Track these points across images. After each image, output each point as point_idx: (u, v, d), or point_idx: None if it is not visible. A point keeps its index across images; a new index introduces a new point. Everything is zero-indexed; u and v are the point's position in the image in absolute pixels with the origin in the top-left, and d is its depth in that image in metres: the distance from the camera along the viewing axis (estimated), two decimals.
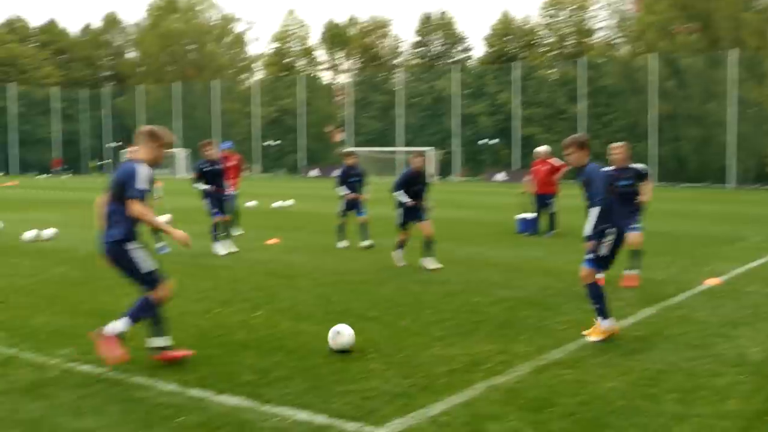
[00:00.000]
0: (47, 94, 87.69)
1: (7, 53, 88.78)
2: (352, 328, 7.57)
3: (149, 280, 6.45)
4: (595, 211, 7.43)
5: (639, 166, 11.04)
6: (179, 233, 6.59)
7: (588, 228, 7.46)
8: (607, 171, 8.89)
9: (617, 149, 11.10)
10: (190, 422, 5.19)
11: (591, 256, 7.50)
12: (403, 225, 12.53)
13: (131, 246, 6.39)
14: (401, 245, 12.64)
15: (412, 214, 12.42)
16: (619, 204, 10.48)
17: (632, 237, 10.41)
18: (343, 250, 14.80)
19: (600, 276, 7.72)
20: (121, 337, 6.31)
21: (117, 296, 9.65)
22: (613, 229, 7.54)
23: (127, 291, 9.84)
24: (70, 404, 5.55)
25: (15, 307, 9.00)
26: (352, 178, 15.45)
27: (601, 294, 7.56)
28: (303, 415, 5.35)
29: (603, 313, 7.48)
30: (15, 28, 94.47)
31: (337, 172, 15.86)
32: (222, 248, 14.02)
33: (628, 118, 61.09)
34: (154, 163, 6.52)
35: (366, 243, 15.04)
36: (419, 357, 6.85)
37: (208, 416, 5.31)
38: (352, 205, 15.42)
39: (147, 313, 6.48)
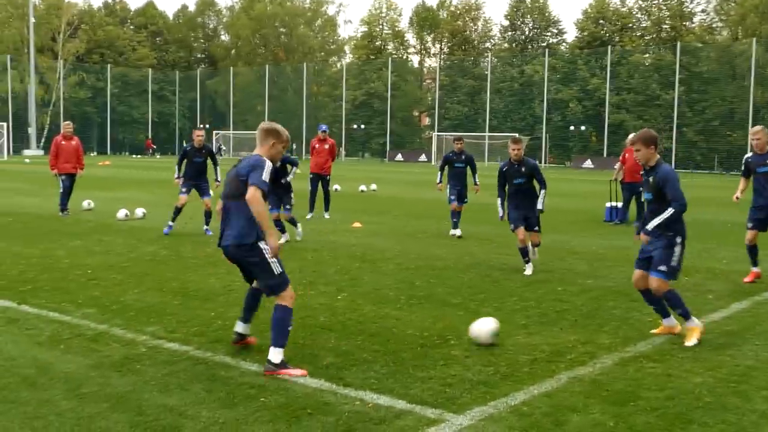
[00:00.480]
0: (142, 76, 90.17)
1: (105, 35, 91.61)
2: (436, 313, 7.58)
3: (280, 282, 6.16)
4: (671, 214, 7.00)
5: None
6: (273, 242, 6.11)
7: (654, 224, 7.10)
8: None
9: (758, 134, 10.29)
10: (272, 403, 5.26)
11: (663, 268, 7.05)
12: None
13: (262, 245, 6.09)
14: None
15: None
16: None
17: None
18: (425, 236, 14.76)
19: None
20: (284, 364, 5.94)
21: (203, 275, 9.89)
22: (683, 241, 7.15)
23: (212, 271, 10.09)
24: (157, 380, 5.69)
25: (106, 284, 9.29)
26: (457, 164, 14.86)
27: (679, 297, 7.16)
28: (383, 400, 5.36)
29: (687, 315, 7.11)
30: (113, 10, 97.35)
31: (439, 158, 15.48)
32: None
33: (724, 105, 59.11)
34: (273, 161, 6.22)
35: (455, 232, 14.70)
36: (502, 345, 6.78)
37: (289, 397, 5.37)
38: (457, 192, 14.75)
39: (287, 326, 6.08)
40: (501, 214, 10.98)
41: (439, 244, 13.64)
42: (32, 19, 74.33)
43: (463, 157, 14.88)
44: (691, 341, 6.92)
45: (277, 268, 6.12)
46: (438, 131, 70.99)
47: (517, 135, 13.05)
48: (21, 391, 5.41)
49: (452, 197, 14.74)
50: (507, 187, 10.78)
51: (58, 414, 4.99)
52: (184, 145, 14.26)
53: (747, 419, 5.10)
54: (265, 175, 5.95)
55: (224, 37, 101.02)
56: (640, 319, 7.91)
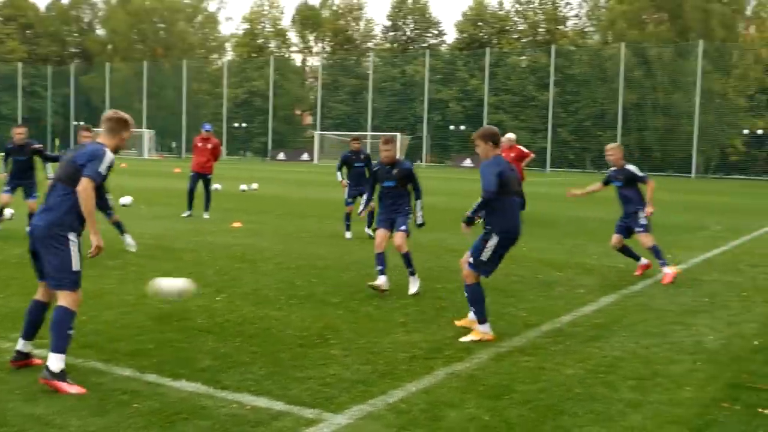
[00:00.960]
0: (11, 70, 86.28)
1: None
2: (315, 312, 7.56)
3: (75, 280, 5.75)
4: (479, 203, 7.16)
5: (631, 168, 11.03)
6: (96, 239, 5.77)
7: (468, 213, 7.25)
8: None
9: (610, 150, 11.18)
10: (146, 408, 5.13)
11: (471, 260, 7.19)
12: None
13: (72, 237, 5.73)
14: None
15: None
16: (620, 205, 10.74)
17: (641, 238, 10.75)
18: (307, 235, 14.72)
19: None
20: (63, 374, 5.50)
21: None
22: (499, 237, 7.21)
23: (84, 273, 9.74)
24: (23, 389, 5.45)
25: None
26: (356, 164, 14.70)
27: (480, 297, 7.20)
28: (261, 402, 5.31)
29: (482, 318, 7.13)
30: None
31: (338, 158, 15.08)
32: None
33: (596, 107, 61.56)
34: (116, 151, 5.97)
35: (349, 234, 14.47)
36: (380, 343, 6.84)
37: (164, 402, 5.25)
38: (358, 192, 14.28)
39: (69, 329, 5.63)
40: (360, 210, 10.47)
41: (320, 243, 13.63)
42: None
43: (362, 156, 14.78)
44: (468, 338, 7.04)
45: (76, 265, 5.71)
46: (320, 130, 71.00)
47: (390, 134, 12.62)
48: None
49: (350, 199, 14.54)
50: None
51: None
52: (8, 144, 13.51)
53: (614, 408, 5.31)
54: (103, 168, 5.70)
55: (100, 32, 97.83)
56: (515, 314, 8.13)
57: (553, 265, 11.51)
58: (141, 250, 12.02)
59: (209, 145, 17.91)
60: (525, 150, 17.66)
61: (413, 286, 9.22)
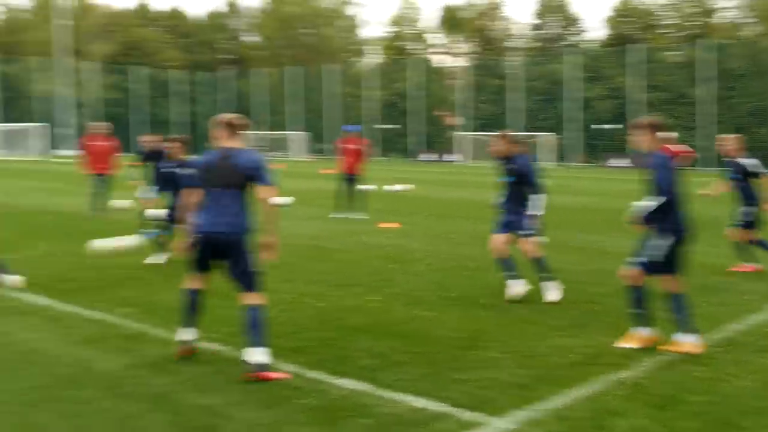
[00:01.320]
0: (169, 77, 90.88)
1: (135, 37, 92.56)
2: (468, 314, 7.52)
3: (258, 281, 6.14)
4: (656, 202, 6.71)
5: (746, 161, 10.67)
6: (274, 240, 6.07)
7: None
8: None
9: (726, 141, 10.98)
10: (309, 404, 5.24)
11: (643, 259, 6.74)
12: None
13: (248, 239, 6.13)
14: None
15: None
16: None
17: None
18: (456, 236, 14.65)
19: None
20: (266, 368, 5.85)
21: None
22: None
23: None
24: (194, 381, 5.69)
25: (143, 283, 9.32)
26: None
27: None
28: (420, 402, 5.32)
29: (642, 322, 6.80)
30: (143, 12, 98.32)
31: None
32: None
33: (753, 103, 58.45)
34: None
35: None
36: (537, 347, 6.71)
37: (326, 399, 5.35)
38: None
39: (265, 325, 6.05)
40: None
41: (470, 244, 13.54)
42: (64, 22, 75.03)
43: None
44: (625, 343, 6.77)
45: (259, 265, 6.11)
46: (465, 131, 70.81)
47: (509, 132, 11.44)
48: (64, 389, 5.44)
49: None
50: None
51: (99, 412, 5.02)
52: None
53: None
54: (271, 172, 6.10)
55: (252, 39, 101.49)
56: None
57: (715, 269, 10.95)
58: (297, 250, 12.31)
59: (356, 147, 18.20)
60: (678, 148, 16.96)
61: (550, 294, 8.68)
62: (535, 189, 8.81)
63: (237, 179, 6.04)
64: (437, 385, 5.67)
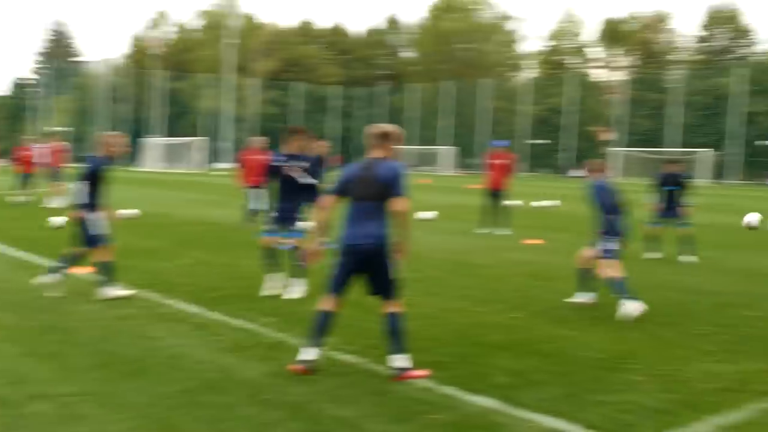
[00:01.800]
0: (329, 93, 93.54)
1: (296, 54, 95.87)
2: (613, 335, 7.31)
3: (397, 288, 6.27)
4: None
5: None
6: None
7: None
8: None
9: None
10: (442, 420, 5.23)
11: None
12: None
13: (389, 249, 6.22)
14: None
15: None
16: None
17: None
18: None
19: None
20: (408, 370, 6.11)
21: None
22: None
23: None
24: (331, 391, 5.80)
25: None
26: (668, 186, 13.89)
27: None
28: (557, 423, 5.21)
29: None
30: (305, 30, 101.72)
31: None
32: None
33: None
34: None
35: (686, 258, 13.58)
36: (683, 372, 6.43)
37: (459, 415, 5.32)
38: (669, 214, 13.84)
39: (404, 332, 6.23)
40: None
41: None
42: (231, 40, 78.73)
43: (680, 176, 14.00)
44: None
45: (399, 273, 6.23)
46: (626, 146, 68.84)
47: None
48: (206, 394, 5.67)
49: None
50: None
51: (240, 418, 5.19)
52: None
53: None
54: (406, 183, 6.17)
55: (409, 54, 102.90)
56: None
57: None
58: (441, 264, 12.35)
59: (503, 162, 18.10)
60: None
61: (624, 310, 8.57)
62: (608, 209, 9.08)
63: (377, 189, 6.14)
64: (575, 407, 5.53)
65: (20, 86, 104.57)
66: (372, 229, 6.13)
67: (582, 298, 9.38)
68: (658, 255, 13.72)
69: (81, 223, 8.96)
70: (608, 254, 8.99)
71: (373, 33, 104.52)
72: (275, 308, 8.65)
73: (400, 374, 6.04)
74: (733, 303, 9.47)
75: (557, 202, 27.70)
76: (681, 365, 6.61)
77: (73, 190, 9.17)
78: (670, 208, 13.82)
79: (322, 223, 6.43)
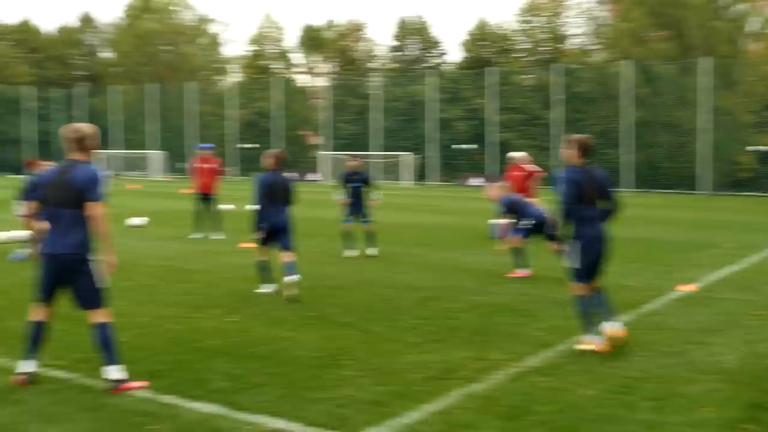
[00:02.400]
0: (19, 93, 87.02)
1: None
2: (327, 334, 7.52)
3: (102, 297, 6.09)
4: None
5: None
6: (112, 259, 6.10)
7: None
8: None
9: None
10: (162, 429, 5.11)
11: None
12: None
13: (91, 258, 6.03)
14: None
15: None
16: None
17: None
18: (319, 254, 14.65)
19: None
20: (124, 382, 5.96)
21: None
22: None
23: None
24: (41, 410, 5.45)
25: None
26: (353, 183, 14.88)
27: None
28: (277, 424, 5.28)
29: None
30: None
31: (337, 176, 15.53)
32: None
33: (602, 125, 61.59)
34: None
35: (372, 251, 14.52)
36: (394, 364, 6.80)
37: (180, 424, 5.23)
38: (356, 211, 14.86)
39: (116, 342, 6.09)
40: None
41: (330, 262, 13.59)
42: None
43: (362, 174, 15.02)
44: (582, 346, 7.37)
45: (104, 282, 6.06)
46: (331, 150, 71.12)
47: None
48: None
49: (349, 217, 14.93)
50: None
51: None
52: None
53: (633, 429, 5.26)
54: (103, 188, 5.98)
55: (107, 54, 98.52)
56: (530, 334, 8.08)
57: (566, 283, 11.42)
58: (154, 271, 12.03)
59: (210, 166, 18.01)
60: (534, 168, 17.67)
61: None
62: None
63: (72, 195, 5.89)
64: (295, 406, 5.65)
65: None
66: (69, 237, 5.89)
67: (267, 288, 10.36)
68: (354, 252, 14.42)
69: None
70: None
71: (66, 31, 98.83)
72: None
73: (116, 386, 5.86)
74: (437, 297, 10.16)
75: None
76: (391, 358, 6.98)
77: None
78: (357, 205, 14.84)
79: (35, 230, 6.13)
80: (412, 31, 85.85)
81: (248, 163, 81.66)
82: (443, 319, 8.81)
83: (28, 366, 6.01)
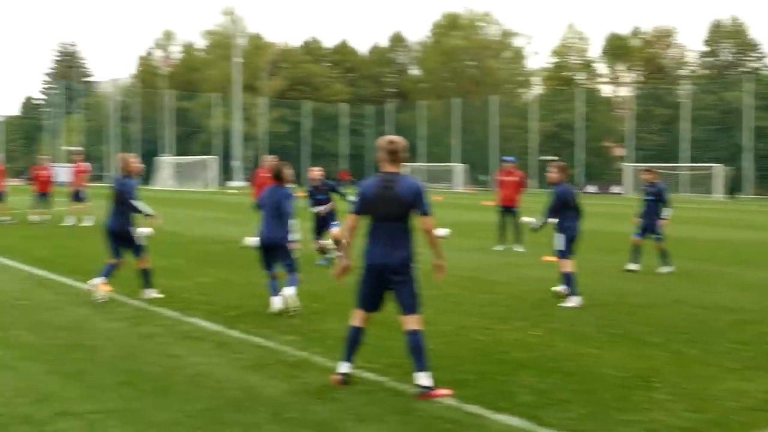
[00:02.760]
0: (336, 111, 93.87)
1: (303, 73, 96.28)
2: (634, 353, 7.27)
3: (419, 304, 6.38)
4: None
5: None
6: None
7: None
8: None
9: None
10: None
11: None
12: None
13: (413, 265, 6.37)
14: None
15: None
16: None
17: None
18: (618, 270, 14.16)
19: None
20: (432, 389, 6.15)
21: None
22: None
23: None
24: (355, 410, 5.78)
25: (306, 312, 9.57)
26: (648, 196, 14.24)
27: None
28: None
29: None
30: (311, 49, 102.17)
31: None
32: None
33: None
34: None
35: (665, 269, 13.93)
36: (710, 390, 6.39)
37: None
38: (647, 226, 14.22)
39: (426, 349, 6.32)
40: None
41: (635, 279, 13.11)
42: (239, 60, 79.17)
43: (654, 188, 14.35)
44: None
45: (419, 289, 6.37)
46: (636, 161, 68.76)
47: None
48: (230, 412, 5.67)
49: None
50: None
51: None
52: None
53: None
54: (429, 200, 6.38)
55: (415, 72, 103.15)
56: None
57: None
58: (457, 281, 12.35)
59: (513, 178, 18.09)
60: None
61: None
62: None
63: (400, 209, 6.24)
64: (602, 425, 5.51)
65: (31, 106, 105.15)
66: (398, 249, 6.24)
67: (571, 302, 10.44)
68: (636, 266, 13.99)
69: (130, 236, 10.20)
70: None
71: (378, 51, 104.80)
72: (295, 326, 8.65)
73: (425, 392, 6.07)
74: (756, 320, 9.43)
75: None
76: (706, 383, 6.56)
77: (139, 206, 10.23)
78: (649, 218, 14.16)
79: (349, 241, 6.52)
80: (726, 34, 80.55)
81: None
82: (764, 344, 8.13)
83: (344, 367, 6.43)
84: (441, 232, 19.73)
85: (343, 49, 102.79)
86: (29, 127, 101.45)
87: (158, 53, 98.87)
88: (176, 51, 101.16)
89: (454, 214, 31.91)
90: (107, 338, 8.01)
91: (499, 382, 6.56)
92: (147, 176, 73.27)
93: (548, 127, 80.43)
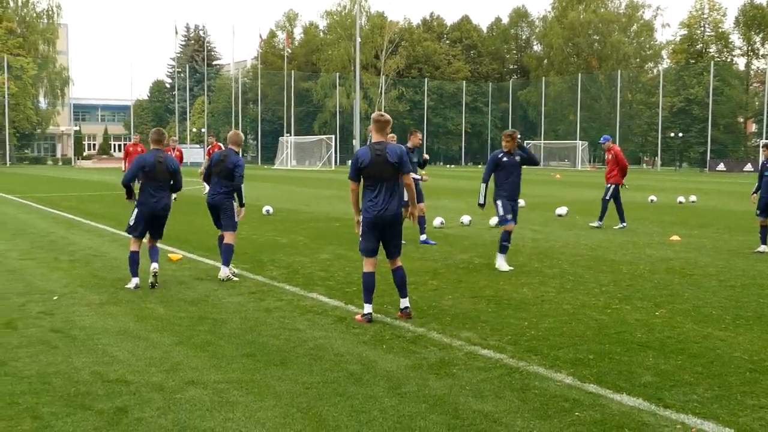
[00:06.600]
0: (456, 88, 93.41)
1: (423, 51, 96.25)
2: (767, 337, 6.95)
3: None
4: None
5: None
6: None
7: None
8: None
9: None
10: (587, 418, 5.12)
11: None
12: None
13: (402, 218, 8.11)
14: None
15: None
16: None
17: None
18: (752, 252, 13.60)
19: None
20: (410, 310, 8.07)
21: (515, 285, 9.92)
22: None
23: (524, 281, 10.13)
24: (472, 386, 5.78)
25: (424, 289, 9.63)
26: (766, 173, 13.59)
27: None
28: (707, 426, 5.00)
29: None
30: (431, 27, 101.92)
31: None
32: None
33: None
34: None
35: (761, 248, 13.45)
36: None
37: (605, 414, 5.19)
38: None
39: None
40: None
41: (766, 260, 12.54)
42: (358, 39, 79.83)
43: None
44: None
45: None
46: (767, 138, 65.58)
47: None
48: (348, 385, 5.77)
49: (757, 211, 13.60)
50: None
51: (381, 410, 5.24)
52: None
53: None
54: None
55: (536, 48, 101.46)
56: None
57: None
58: (578, 260, 12.12)
59: (610, 156, 17.63)
60: None
61: None
62: None
63: (391, 170, 7.66)
64: (728, 410, 5.30)
65: (158, 90, 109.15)
66: (390, 203, 7.65)
67: None
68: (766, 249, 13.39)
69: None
70: None
71: (498, 27, 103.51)
72: (412, 303, 8.69)
73: (405, 312, 7.91)
74: None
75: (694, 198, 26.67)
76: None
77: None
78: None
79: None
80: None
81: (675, 153, 78.56)
82: None
83: (369, 308, 7.80)
84: (561, 210, 19.50)
85: (463, 26, 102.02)
86: (158, 109, 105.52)
87: (281, 35, 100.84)
88: (298, 32, 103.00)
89: (574, 192, 31.33)
90: (231, 312, 8.29)
91: (619, 362, 6.41)
92: (272, 156, 75.09)
93: (676, 103, 77.60)
